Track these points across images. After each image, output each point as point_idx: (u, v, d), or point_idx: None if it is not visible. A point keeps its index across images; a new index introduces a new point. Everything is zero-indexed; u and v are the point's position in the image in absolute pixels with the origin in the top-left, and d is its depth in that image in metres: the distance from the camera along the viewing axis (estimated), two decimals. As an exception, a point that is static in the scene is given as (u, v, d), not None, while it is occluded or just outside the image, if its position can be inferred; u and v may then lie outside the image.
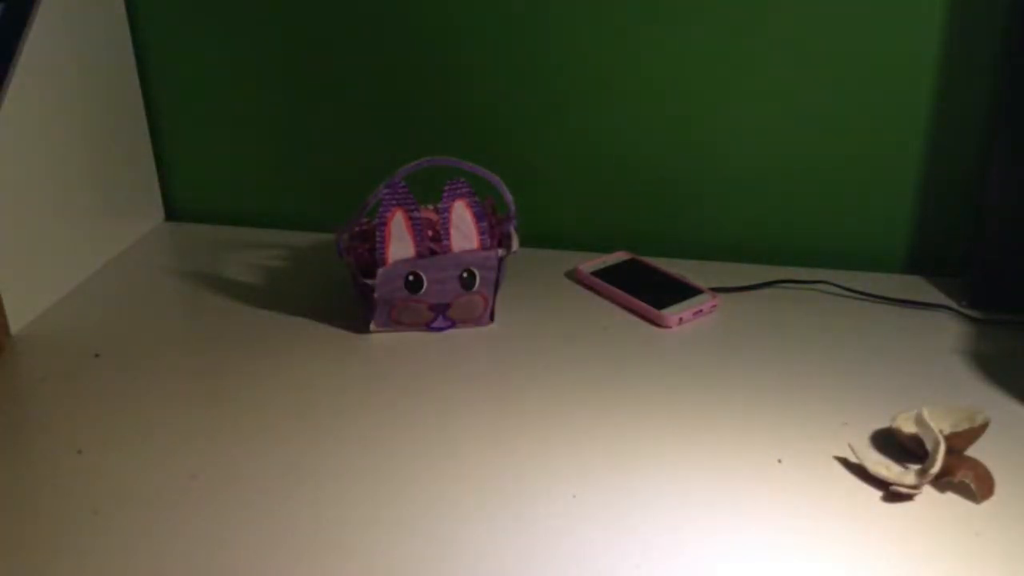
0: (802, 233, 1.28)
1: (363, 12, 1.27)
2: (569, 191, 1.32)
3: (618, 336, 1.12)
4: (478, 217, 1.10)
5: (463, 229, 1.10)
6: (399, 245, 1.08)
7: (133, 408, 0.99)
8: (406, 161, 1.09)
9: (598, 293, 1.20)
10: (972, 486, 0.85)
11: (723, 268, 1.24)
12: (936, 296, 1.19)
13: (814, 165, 1.24)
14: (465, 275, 1.09)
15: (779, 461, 0.91)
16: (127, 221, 1.35)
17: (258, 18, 1.30)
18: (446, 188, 1.10)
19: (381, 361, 1.08)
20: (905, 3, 1.15)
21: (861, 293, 1.18)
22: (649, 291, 1.17)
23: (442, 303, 1.10)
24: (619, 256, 1.27)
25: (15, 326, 1.12)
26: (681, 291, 1.18)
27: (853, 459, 0.90)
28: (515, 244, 1.13)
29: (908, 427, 0.91)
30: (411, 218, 1.09)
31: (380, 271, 1.07)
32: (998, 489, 0.86)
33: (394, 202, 1.08)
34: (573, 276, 1.24)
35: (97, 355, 1.09)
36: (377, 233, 1.08)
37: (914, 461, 0.90)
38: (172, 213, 1.42)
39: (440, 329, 1.12)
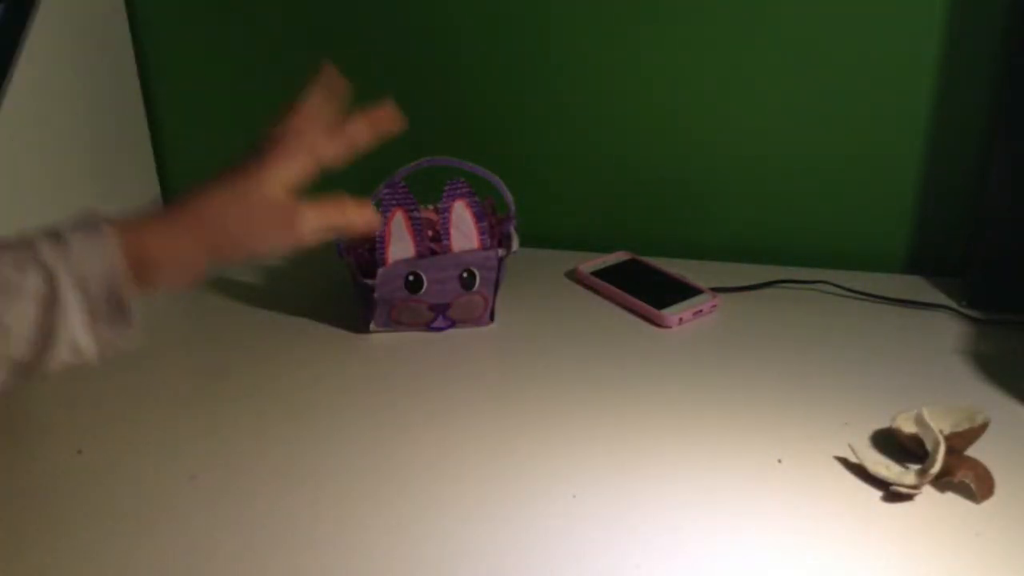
0: (802, 233, 1.28)
1: (363, 12, 1.27)
2: (569, 191, 1.32)
3: (618, 336, 1.12)
4: (478, 217, 1.10)
5: (463, 229, 1.10)
6: (399, 245, 1.08)
7: (133, 408, 0.99)
8: (406, 161, 1.09)
9: (598, 293, 1.20)
10: (972, 486, 0.85)
11: (723, 268, 1.24)
12: (936, 296, 1.19)
13: (814, 165, 1.24)
14: (465, 275, 1.09)
15: (779, 461, 0.91)
16: (127, 221, 1.35)
17: (258, 17, 1.30)
18: (446, 188, 1.10)
19: (381, 361, 1.08)
20: (905, 3, 1.15)
21: (861, 293, 1.18)
22: (649, 291, 1.17)
23: (442, 303, 1.10)
24: (619, 256, 1.26)
25: (15, 326, 1.12)
26: (681, 291, 1.18)
27: (853, 459, 0.90)
28: (515, 244, 1.13)
29: (908, 427, 0.91)
30: (411, 218, 1.09)
31: (380, 271, 1.07)
32: (998, 489, 0.86)
33: (394, 202, 1.08)
34: (573, 276, 1.24)
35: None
36: (377, 233, 1.08)
37: (914, 461, 0.90)
38: (172, 213, 1.42)
39: (440, 329, 1.12)
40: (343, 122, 0.77)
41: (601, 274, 1.22)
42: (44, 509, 0.86)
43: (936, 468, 0.86)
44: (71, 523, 0.84)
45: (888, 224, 1.25)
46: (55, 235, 0.66)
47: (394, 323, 1.11)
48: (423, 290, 1.09)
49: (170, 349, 1.10)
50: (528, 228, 1.19)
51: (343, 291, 1.18)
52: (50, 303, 0.64)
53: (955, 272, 1.22)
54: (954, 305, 1.16)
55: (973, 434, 0.89)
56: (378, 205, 1.08)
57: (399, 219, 1.08)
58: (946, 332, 1.12)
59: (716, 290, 1.18)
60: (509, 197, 1.12)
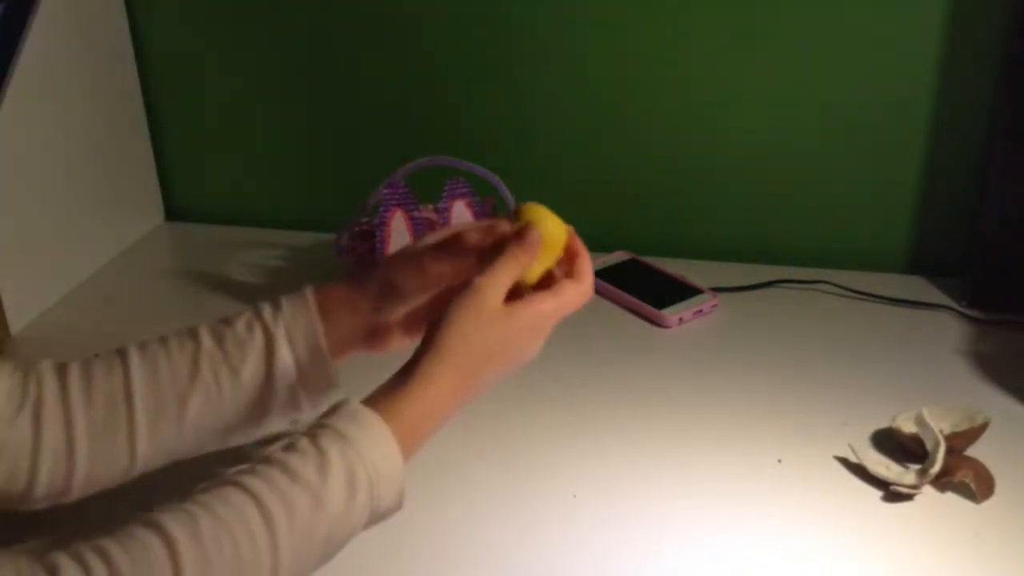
0: (802, 233, 1.28)
1: (363, 12, 1.27)
2: (569, 191, 1.32)
3: (618, 336, 1.12)
4: (478, 217, 1.10)
5: (463, 229, 1.09)
6: (399, 245, 1.08)
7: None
8: (406, 161, 1.09)
9: (598, 293, 1.20)
10: (972, 486, 0.85)
11: (723, 268, 1.24)
12: (936, 296, 1.19)
13: (814, 165, 1.24)
14: (465, 275, 1.09)
15: (779, 461, 0.91)
16: (127, 221, 1.35)
17: (258, 19, 1.30)
18: (446, 188, 1.10)
19: (380, 360, 1.07)
20: (905, 4, 1.15)
21: (861, 293, 1.18)
22: (649, 291, 1.17)
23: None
24: (619, 256, 1.26)
25: (15, 326, 1.12)
26: (681, 291, 1.18)
27: (853, 459, 0.90)
28: (515, 244, 1.13)
29: (908, 427, 0.91)
30: (411, 218, 1.09)
31: (380, 271, 1.07)
32: (998, 489, 0.86)
33: (394, 202, 1.08)
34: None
35: (97, 355, 1.08)
36: (377, 233, 1.08)
37: (914, 461, 0.90)
38: (172, 213, 1.42)
39: (440, 329, 1.12)
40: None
41: (601, 274, 1.22)
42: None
43: (936, 468, 0.86)
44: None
45: (888, 224, 1.25)
46: (338, 433, 0.62)
47: (394, 323, 1.11)
48: (423, 290, 1.09)
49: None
50: (528, 228, 1.19)
51: (343, 291, 1.18)
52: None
53: (955, 272, 1.22)
54: (954, 305, 1.16)
55: (973, 434, 0.89)
56: (378, 205, 1.08)
57: (399, 219, 1.08)
58: (946, 332, 1.12)
59: (716, 290, 1.18)
60: (509, 197, 1.12)
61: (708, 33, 1.21)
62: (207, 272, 1.25)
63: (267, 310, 0.76)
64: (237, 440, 0.77)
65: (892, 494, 0.86)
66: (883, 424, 0.94)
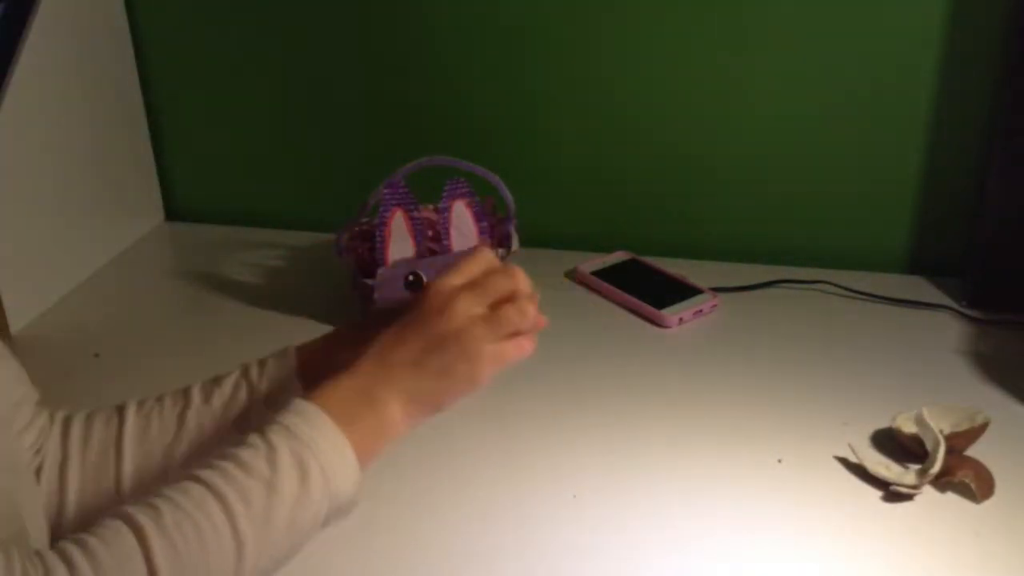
0: (802, 233, 1.28)
1: (364, 13, 1.27)
2: (569, 191, 1.32)
3: (618, 336, 1.12)
4: (478, 217, 1.10)
5: (463, 229, 1.10)
6: (399, 245, 1.08)
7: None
8: (406, 161, 1.09)
9: (598, 293, 1.20)
10: (972, 486, 0.85)
11: (723, 268, 1.24)
12: (936, 296, 1.19)
13: (814, 165, 1.24)
14: (465, 275, 1.09)
15: (779, 461, 0.91)
16: (127, 221, 1.35)
17: (258, 18, 1.30)
18: (446, 188, 1.10)
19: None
20: (905, 5, 1.15)
21: (861, 293, 1.18)
22: (649, 291, 1.17)
23: (442, 303, 1.10)
24: (619, 256, 1.26)
25: (15, 326, 1.12)
26: (681, 291, 1.18)
27: (853, 459, 0.90)
28: (515, 244, 1.13)
29: (908, 427, 0.91)
30: (411, 218, 1.09)
31: (380, 271, 1.07)
32: (998, 489, 0.86)
33: (394, 202, 1.08)
34: (573, 276, 1.24)
35: (97, 355, 1.09)
36: (377, 233, 1.08)
37: (914, 461, 0.90)
38: (172, 213, 1.42)
39: (440, 329, 1.12)
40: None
41: (601, 274, 1.22)
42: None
43: (936, 468, 0.86)
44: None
45: (888, 224, 1.25)
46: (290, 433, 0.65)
47: (394, 323, 1.11)
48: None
49: (170, 349, 1.10)
50: (528, 228, 1.19)
51: (343, 291, 1.18)
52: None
53: (955, 272, 1.22)
54: (954, 305, 1.16)
55: (973, 434, 0.89)
56: (378, 205, 1.08)
57: (399, 219, 1.08)
58: (946, 332, 1.12)
59: (716, 290, 1.18)
60: (509, 197, 1.12)
61: (708, 34, 1.21)
62: (207, 272, 1.25)
63: (254, 369, 0.80)
64: None
65: (892, 494, 0.86)
66: (883, 424, 0.94)
